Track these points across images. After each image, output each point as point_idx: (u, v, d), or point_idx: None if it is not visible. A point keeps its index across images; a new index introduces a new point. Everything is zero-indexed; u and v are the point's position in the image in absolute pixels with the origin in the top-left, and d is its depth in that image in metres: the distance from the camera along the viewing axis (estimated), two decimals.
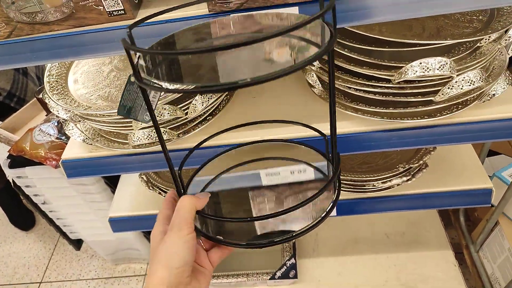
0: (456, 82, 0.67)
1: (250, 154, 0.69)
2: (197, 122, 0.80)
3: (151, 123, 0.74)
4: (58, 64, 0.85)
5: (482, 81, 0.67)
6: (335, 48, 0.69)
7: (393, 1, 0.55)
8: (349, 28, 0.67)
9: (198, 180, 0.62)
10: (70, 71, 0.86)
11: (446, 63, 0.63)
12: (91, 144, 0.82)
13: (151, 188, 1.04)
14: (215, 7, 0.56)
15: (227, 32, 0.54)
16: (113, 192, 1.33)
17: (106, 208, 1.41)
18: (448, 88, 0.68)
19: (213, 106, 0.82)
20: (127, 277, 1.79)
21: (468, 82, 0.67)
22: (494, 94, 0.73)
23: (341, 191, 0.95)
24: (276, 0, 0.55)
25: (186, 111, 0.76)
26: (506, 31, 0.68)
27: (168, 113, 0.74)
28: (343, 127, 0.75)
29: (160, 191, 1.03)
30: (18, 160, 1.30)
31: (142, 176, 1.06)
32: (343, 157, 1.00)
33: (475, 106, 0.73)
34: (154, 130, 0.76)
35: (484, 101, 0.74)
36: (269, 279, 1.28)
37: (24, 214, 2.07)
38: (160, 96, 0.66)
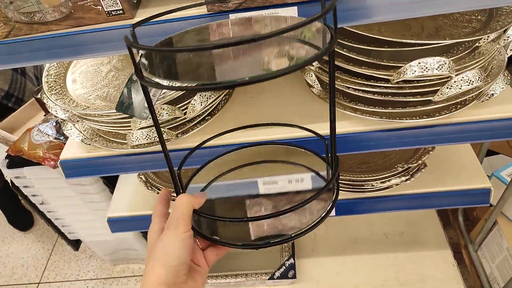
0: (454, 82, 0.67)
1: (249, 155, 0.69)
2: (195, 122, 0.80)
3: (149, 123, 0.74)
4: (57, 64, 0.85)
5: (480, 81, 0.68)
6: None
7: (392, 1, 0.55)
8: (348, 28, 0.67)
9: (193, 186, 0.62)
10: (68, 71, 0.86)
11: (445, 63, 0.63)
12: (90, 144, 0.82)
13: (149, 188, 1.04)
14: (214, 7, 0.56)
15: (227, 34, 0.55)
16: (112, 192, 1.33)
17: (104, 208, 1.41)
18: (447, 88, 0.68)
19: (211, 106, 0.82)
20: (125, 278, 1.79)
21: (467, 82, 0.67)
22: (492, 94, 0.73)
23: (340, 191, 0.96)
24: (275, 0, 0.55)
25: (184, 111, 0.76)
26: (504, 31, 0.68)
27: (167, 113, 0.74)
28: (341, 127, 0.75)
29: (159, 191, 1.03)
30: (16, 160, 1.30)
31: (140, 176, 1.06)
32: (342, 157, 1.00)
33: (473, 106, 0.73)
34: (153, 130, 0.76)
35: (482, 101, 0.74)
36: (268, 279, 1.28)
37: (23, 215, 2.07)
38: (159, 95, 0.67)
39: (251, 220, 0.56)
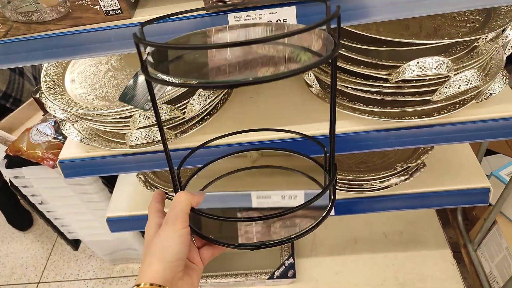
0: (453, 81, 0.67)
1: (248, 156, 0.70)
2: (194, 122, 0.80)
3: (148, 123, 0.74)
4: (55, 63, 0.85)
5: (479, 81, 0.67)
6: None
7: (391, 0, 0.55)
8: (346, 28, 0.67)
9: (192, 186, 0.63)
10: (67, 71, 0.86)
11: (444, 63, 0.63)
12: (89, 144, 0.82)
13: (149, 188, 1.04)
14: (212, 6, 0.56)
15: (228, 38, 0.55)
16: (111, 192, 1.32)
17: (103, 208, 1.40)
18: (446, 87, 0.68)
19: (210, 106, 0.81)
20: (125, 277, 1.78)
21: (466, 81, 0.67)
22: (491, 94, 0.73)
23: (340, 191, 0.96)
24: None
25: (183, 111, 0.76)
26: (503, 31, 0.68)
27: (166, 112, 0.73)
28: (340, 127, 0.75)
29: None
30: (15, 160, 1.30)
31: (139, 176, 1.06)
32: (341, 156, 1.00)
33: (472, 106, 0.73)
34: (152, 130, 0.76)
35: (481, 101, 0.74)
36: (268, 278, 1.28)
37: (22, 214, 2.07)
38: (162, 93, 0.67)
39: (250, 220, 0.56)
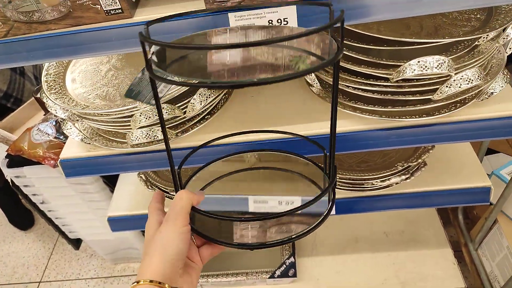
0: (454, 80, 0.67)
1: (246, 162, 0.70)
2: (195, 121, 0.80)
3: (149, 122, 0.74)
4: (56, 63, 0.85)
5: (480, 80, 0.67)
6: None
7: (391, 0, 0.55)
8: (347, 27, 0.67)
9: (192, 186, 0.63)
10: (68, 70, 0.86)
11: (444, 62, 0.63)
12: (90, 143, 0.82)
13: (150, 187, 1.04)
14: (212, 6, 0.56)
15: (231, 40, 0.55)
16: (112, 191, 1.33)
17: (105, 207, 1.41)
18: (446, 86, 0.68)
19: (211, 105, 0.81)
20: (126, 276, 1.79)
21: (466, 80, 0.67)
22: (492, 93, 0.73)
23: (340, 190, 0.96)
24: None
25: (184, 110, 0.76)
26: (504, 30, 0.68)
27: (167, 112, 0.74)
28: (341, 126, 0.75)
29: (159, 191, 1.03)
30: (16, 160, 1.30)
31: (140, 175, 1.06)
32: (342, 156, 1.00)
33: (473, 105, 0.73)
34: (153, 129, 0.76)
35: (482, 100, 0.74)
36: (269, 277, 1.28)
37: (23, 214, 2.07)
38: (168, 90, 0.68)
39: (249, 220, 0.56)
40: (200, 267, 0.54)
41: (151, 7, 0.61)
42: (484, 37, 0.68)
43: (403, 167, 0.91)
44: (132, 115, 0.74)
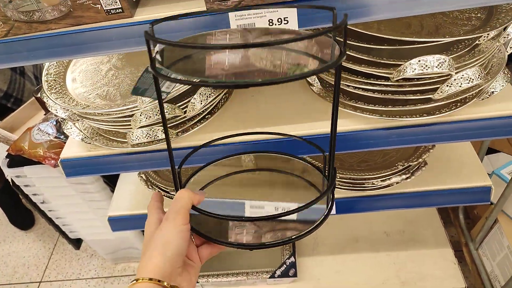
0: (454, 79, 0.67)
1: (244, 167, 0.70)
2: (196, 120, 0.80)
3: (149, 122, 0.74)
4: (56, 63, 0.85)
5: (480, 79, 0.67)
6: None
7: None
8: (347, 26, 0.67)
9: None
10: (68, 70, 0.86)
11: (445, 61, 0.63)
12: (90, 143, 0.82)
13: (150, 187, 1.04)
14: (213, 5, 0.56)
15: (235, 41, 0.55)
16: (112, 191, 1.33)
17: (105, 207, 1.41)
18: (447, 86, 0.67)
19: (211, 105, 0.81)
20: (126, 276, 1.79)
21: (467, 79, 0.67)
22: (492, 92, 0.73)
23: (341, 189, 0.96)
24: None
25: (184, 110, 0.76)
26: (504, 29, 0.68)
27: (167, 111, 0.74)
28: (342, 125, 0.75)
29: (160, 190, 1.03)
30: (16, 160, 1.30)
31: (141, 175, 1.06)
32: (342, 155, 1.00)
33: (474, 104, 0.73)
34: (153, 129, 0.76)
35: (483, 99, 0.74)
36: (269, 277, 1.28)
37: (23, 214, 2.07)
38: (173, 88, 0.68)
39: (249, 220, 0.56)
40: (199, 266, 0.54)
41: (151, 6, 0.61)
42: (484, 36, 0.68)
43: (404, 167, 0.91)
44: (133, 114, 0.74)
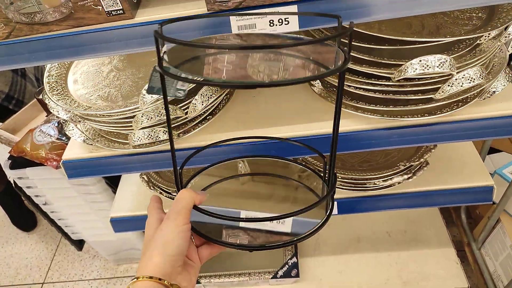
0: (456, 79, 0.67)
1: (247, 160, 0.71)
2: (197, 121, 0.80)
3: (151, 123, 0.74)
4: (58, 64, 0.85)
5: (482, 79, 0.67)
6: None
7: None
8: (347, 25, 0.67)
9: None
10: (69, 72, 0.86)
11: (446, 61, 0.63)
12: (92, 144, 0.82)
13: (152, 188, 1.04)
14: (213, 6, 0.56)
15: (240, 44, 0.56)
16: (114, 192, 1.33)
17: (107, 208, 1.41)
18: (448, 85, 0.67)
19: (213, 106, 0.82)
20: (129, 277, 1.79)
21: (468, 79, 0.67)
22: (494, 91, 0.73)
23: (342, 190, 0.96)
24: None
25: (186, 111, 0.76)
26: (506, 28, 0.68)
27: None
28: (343, 126, 0.75)
29: (161, 191, 1.03)
30: (19, 161, 1.30)
31: (143, 176, 1.06)
32: (344, 155, 1.00)
33: (475, 104, 0.73)
34: (155, 130, 0.76)
35: (484, 99, 0.73)
36: (271, 278, 1.28)
37: (26, 215, 2.08)
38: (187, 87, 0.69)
39: (249, 221, 0.56)
40: (198, 266, 0.54)
41: (152, 7, 0.61)
42: (485, 36, 0.68)
43: (405, 167, 0.91)
44: (134, 116, 0.74)
